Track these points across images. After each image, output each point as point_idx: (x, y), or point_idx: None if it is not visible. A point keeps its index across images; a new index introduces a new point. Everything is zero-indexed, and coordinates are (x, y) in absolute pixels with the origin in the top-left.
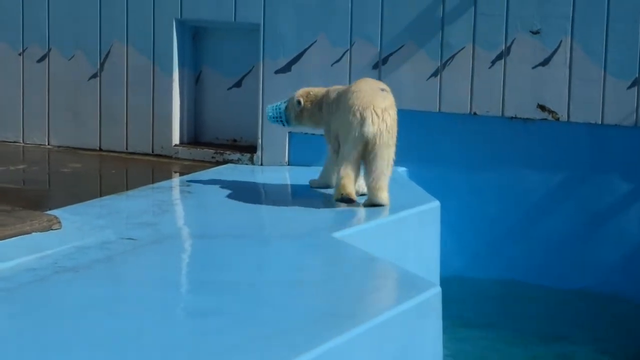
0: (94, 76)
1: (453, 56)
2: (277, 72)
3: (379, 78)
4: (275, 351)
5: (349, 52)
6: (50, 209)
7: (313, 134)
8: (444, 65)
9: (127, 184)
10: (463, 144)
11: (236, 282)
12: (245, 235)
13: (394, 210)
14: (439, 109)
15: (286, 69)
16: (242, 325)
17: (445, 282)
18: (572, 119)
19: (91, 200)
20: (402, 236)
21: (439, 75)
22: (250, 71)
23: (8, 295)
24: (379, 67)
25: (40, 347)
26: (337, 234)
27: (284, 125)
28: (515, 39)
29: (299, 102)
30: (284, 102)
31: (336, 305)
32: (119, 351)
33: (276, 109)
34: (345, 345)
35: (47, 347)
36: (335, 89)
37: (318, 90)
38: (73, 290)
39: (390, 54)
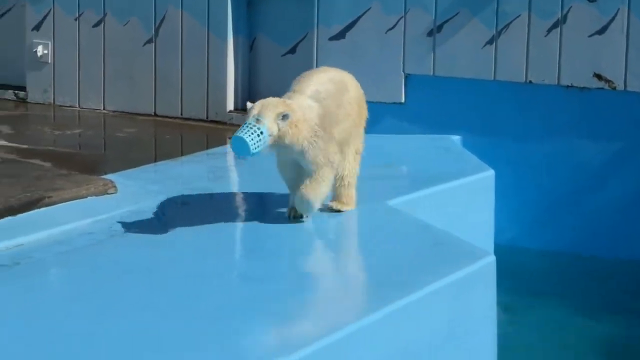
0: (149, 42)
1: (508, 24)
2: (331, 39)
3: (434, 46)
4: (327, 318)
5: (403, 19)
6: (105, 174)
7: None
8: (499, 33)
9: (181, 150)
10: (518, 113)
11: (291, 250)
12: None
13: (448, 178)
14: (494, 77)
15: (340, 35)
16: (294, 291)
17: (498, 251)
18: (629, 88)
19: (146, 166)
20: (456, 205)
21: (494, 43)
22: (304, 38)
23: (65, 258)
24: (434, 34)
25: (97, 309)
26: (392, 202)
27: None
28: (571, 7)
29: (285, 116)
30: (255, 126)
31: (389, 273)
32: (175, 315)
33: (255, 137)
34: (397, 314)
35: (104, 309)
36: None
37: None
38: (128, 254)
39: (445, 22)
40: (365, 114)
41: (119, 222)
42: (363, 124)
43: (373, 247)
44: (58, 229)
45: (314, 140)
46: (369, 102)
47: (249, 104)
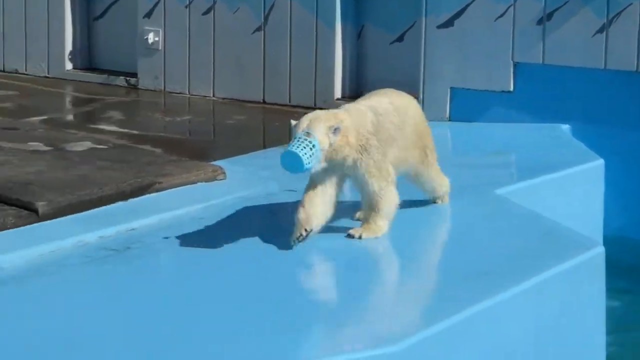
0: (258, 29)
1: (619, 13)
2: (439, 27)
3: (544, 34)
4: (434, 306)
5: (513, 7)
6: (214, 160)
7: (476, 89)
8: (610, 22)
9: (289, 137)
10: (628, 102)
11: (396, 237)
12: (403, 193)
13: (557, 167)
14: (605, 66)
15: (448, 23)
16: (400, 278)
17: (607, 241)
18: None
19: (255, 152)
20: (565, 194)
21: (604, 32)
22: (412, 26)
23: (175, 243)
24: (544, 22)
25: (206, 293)
26: (500, 191)
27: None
28: None
29: (337, 129)
30: (306, 140)
31: (496, 262)
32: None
33: (308, 151)
34: (504, 304)
35: (215, 294)
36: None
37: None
38: (238, 240)
39: (555, 10)
40: (429, 144)
41: (228, 208)
42: (428, 154)
43: (480, 236)
44: (169, 214)
45: (365, 149)
46: (476, 90)
47: (292, 122)
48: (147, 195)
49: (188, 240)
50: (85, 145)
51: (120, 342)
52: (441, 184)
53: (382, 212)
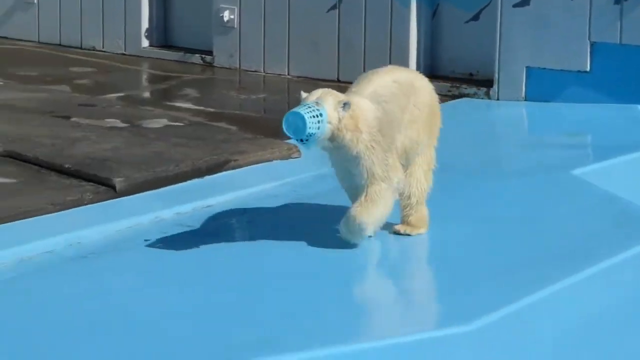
0: (333, 8)
1: None
2: (515, 5)
3: (621, 13)
4: (507, 287)
5: None
6: (289, 138)
7: (552, 69)
8: None
9: None
10: None
11: (472, 216)
12: (479, 171)
13: (634, 148)
14: None
15: (524, 2)
16: (480, 257)
17: None
18: None
19: None
20: None
21: None
22: (488, 5)
23: (251, 220)
24: (621, 2)
25: (282, 270)
26: (577, 172)
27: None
28: None
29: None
30: (314, 107)
31: (570, 244)
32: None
33: (314, 118)
34: (577, 286)
35: (288, 271)
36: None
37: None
38: (313, 217)
39: None
40: (438, 123)
41: (303, 185)
42: (435, 133)
43: (556, 217)
44: (244, 192)
45: (372, 146)
46: (552, 70)
47: (303, 93)
48: (223, 173)
49: (263, 217)
50: (162, 122)
51: (198, 318)
52: (419, 180)
53: (370, 211)
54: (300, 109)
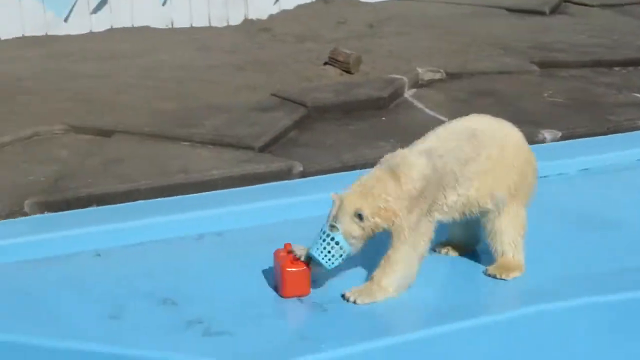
0: None
1: None
2: None
3: None
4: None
5: None
6: None
7: None
8: None
9: None
10: None
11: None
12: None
13: None
14: None
15: None
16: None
17: None
18: None
19: None
20: None
21: None
22: None
23: None
24: None
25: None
26: None
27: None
28: None
29: (360, 216)
30: (326, 239)
31: None
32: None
33: (327, 253)
34: None
35: None
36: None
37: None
38: None
39: None
40: (529, 179)
41: None
42: (525, 190)
43: None
44: None
45: (409, 212)
46: None
47: (333, 195)
48: None
49: None
50: None
51: None
52: (512, 243)
53: (394, 275)
54: (312, 249)
